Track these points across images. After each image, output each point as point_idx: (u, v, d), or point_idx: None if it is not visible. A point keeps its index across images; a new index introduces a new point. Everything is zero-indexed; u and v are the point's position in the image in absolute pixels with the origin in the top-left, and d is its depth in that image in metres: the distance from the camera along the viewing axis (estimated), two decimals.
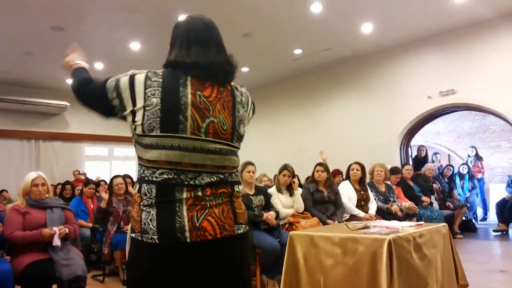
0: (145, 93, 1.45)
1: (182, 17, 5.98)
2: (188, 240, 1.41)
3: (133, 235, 1.47)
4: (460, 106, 7.52)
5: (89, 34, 6.85)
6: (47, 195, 3.48)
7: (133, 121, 1.47)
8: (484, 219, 9.31)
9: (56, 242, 3.21)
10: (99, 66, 8.03)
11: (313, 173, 5.03)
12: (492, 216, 8.35)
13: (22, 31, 6.57)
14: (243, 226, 1.55)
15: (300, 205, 4.69)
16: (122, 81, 1.48)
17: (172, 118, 1.43)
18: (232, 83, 1.63)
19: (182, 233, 1.41)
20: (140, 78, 1.47)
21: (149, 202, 1.44)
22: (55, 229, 3.25)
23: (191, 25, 1.62)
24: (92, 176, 8.72)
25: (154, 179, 1.44)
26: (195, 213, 1.43)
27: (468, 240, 6.70)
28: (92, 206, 5.70)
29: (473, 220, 8.32)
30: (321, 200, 4.84)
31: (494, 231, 7.19)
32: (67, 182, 6.59)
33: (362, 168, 5.23)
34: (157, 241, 1.41)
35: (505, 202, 7.22)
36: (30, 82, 9.20)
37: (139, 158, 1.50)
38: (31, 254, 3.17)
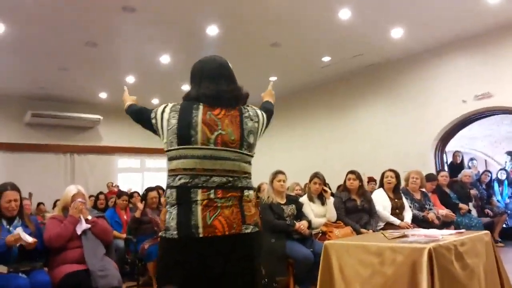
0: (168, 118, 1.84)
1: (211, 29, 6.01)
2: (201, 235, 1.69)
3: (160, 234, 1.80)
4: (497, 109, 7.26)
5: (121, 48, 7.02)
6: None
7: (162, 139, 1.87)
8: None
9: (82, 226, 3.35)
10: (130, 79, 8.20)
11: (344, 181, 4.94)
12: None
13: (57, 47, 6.79)
14: (251, 226, 1.80)
15: (332, 214, 4.61)
16: (158, 109, 1.92)
17: (186, 133, 1.77)
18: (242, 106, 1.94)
19: (196, 229, 1.70)
20: (168, 106, 1.89)
21: (172, 204, 1.77)
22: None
23: (204, 63, 1.98)
24: (124, 188, 8.87)
25: (174, 184, 1.77)
26: (208, 213, 1.71)
27: (510, 249, 6.41)
28: (125, 217, 5.77)
29: None
30: (354, 209, 4.74)
31: None
32: (101, 193, 6.70)
33: (397, 175, 5.10)
34: (176, 236, 1.71)
35: None
36: (65, 97, 9.48)
37: (167, 169, 1.84)
38: (68, 265, 3.23)
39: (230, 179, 1.78)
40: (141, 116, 2.02)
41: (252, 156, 1.90)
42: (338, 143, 9.23)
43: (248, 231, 1.78)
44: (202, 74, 1.94)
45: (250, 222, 1.79)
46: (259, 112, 1.98)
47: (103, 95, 9.43)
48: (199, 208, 1.71)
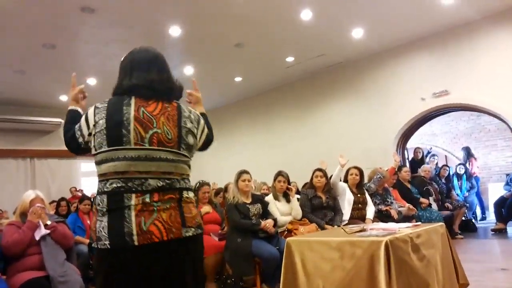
0: (94, 120, 1.66)
1: (174, 30, 5.97)
2: (136, 243, 1.53)
3: (92, 244, 1.62)
4: (454, 106, 7.54)
5: (80, 50, 6.86)
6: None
7: (92, 146, 1.68)
8: (483, 218, 9.29)
9: (41, 232, 3.26)
10: (91, 81, 8.03)
11: (311, 179, 5.01)
12: (492, 215, 8.33)
13: (13, 50, 6.57)
14: (193, 229, 1.66)
15: (297, 211, 4.67)
16: (82, 120, 1.73)
17: (116, 133, 1.60)
18: (180, 103, 1.80)
19: (130, 237, 1.53)
20: (91, 110, 1.71)
21: (102, 212, 1.59)
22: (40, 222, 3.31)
23: (133, 55, 1.82)
24: (88, 192, 8.67)
25: (105, 189, 1.59)
26: (143, 218, 1.55)
27: (469, 240, 6.67)
28: (88, 222, 5.64)
29: (473, 220, 8.29)
30: (320, 206, 4.81)
31: (493, 230, 7.16)
32: (62, 199, 6.54)
33: (361, 172, 5.24)
34: (108, 246, 1.54)
35: (503, 201, 7.20)
36: (23, 101, 9.18)
37: (97, 174, 1.65)
38: (27, 272, 3.13)
39: (168, 181, 1.63)
40: (69, 140, 1.77)
41: (190, 159, 1.77)
42: (304, 141, 9.34)
43: (189, 234, 1.64)
44: (133, 64, 1.77)
45: (191, 225, 1.66)
46: (201, 120, 1.86)
47: (63, 98, 9.18)
48: (133, 213, 1.55)
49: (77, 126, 1.74)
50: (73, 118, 1.85)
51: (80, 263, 4.67)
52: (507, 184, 7.67)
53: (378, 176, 5.50)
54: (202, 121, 1.86)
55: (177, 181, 1.67)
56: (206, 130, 1.88)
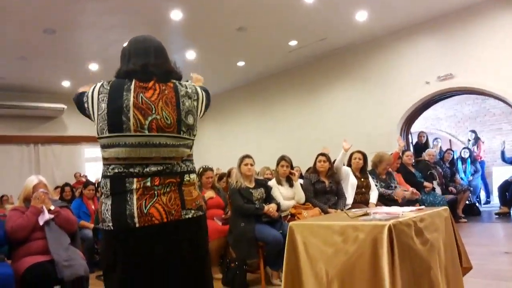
0: (98, 101, 1.70)
1: (175, 14, 5.90)
2: (137, 225, 1.61)
3: (98, 225, 1.72)
4: (459, 90, 7.47)
5: (82, 35, 6.81)
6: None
7: (94, 125, 1.73)
8: (487, 202, 9.27)
9: (45, 217, 3.26)
10: (93, 67, 7.99)
11: (314, 163, 4.99)
12: (496, 199, 8.32)
13: (14, 36, 6.54)
14: (193, 211, 1.72)
15: (300, 196, 4.67)
16: (89, 91, 1.77)
17: (117, 120, 1.65)
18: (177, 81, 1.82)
19: (131, 219, 1.61)
20: (97, 86, 1.74)
21: (106, 194, 1.68)
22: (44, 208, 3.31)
23: (132, 42, 1.86)
24: (93, 178, 8.71)
25: (108, 173, 1.67)
26: (144, 201, 1.63)
27: (472, 224, 6.67)
28: (93, 207, 5.68)
29: (477, 204, 8.28)
30: (323, 191, 4.81)
31: (496, 214, 7.15)
32: (66, 184, 6.57)
33: (364, 156, 5.22)
34: (112, 228, 1.63)
35: (507, 185, 7.18)
36: (26, 87, 9.17)
37: (102, 158, 1.72)
38: (32, 256, 3.16)
39: (168, 165, 1.69)
40: (78, 101, 1.83)
41: (192, 140, 1.79)
42: (308, 126, 9.31)
43: (189, 216, 1.70)
44: (131, 52, 1.82)
45: (191, 207, 1.72)
46: (198, 89, 1.86)
47: (66, 84, 9.17)
48: (135, 197, 1.63)
49: (85, 98, 1.78)
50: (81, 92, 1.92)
51: (85, 248, 4.71)
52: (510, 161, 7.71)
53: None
54: (199, 92, 1.85)
55: (178, 165, 1.72)
56: (205, 100, 1.89)
